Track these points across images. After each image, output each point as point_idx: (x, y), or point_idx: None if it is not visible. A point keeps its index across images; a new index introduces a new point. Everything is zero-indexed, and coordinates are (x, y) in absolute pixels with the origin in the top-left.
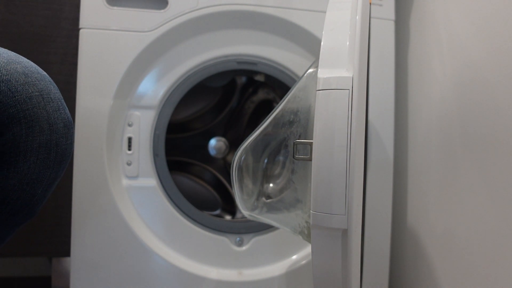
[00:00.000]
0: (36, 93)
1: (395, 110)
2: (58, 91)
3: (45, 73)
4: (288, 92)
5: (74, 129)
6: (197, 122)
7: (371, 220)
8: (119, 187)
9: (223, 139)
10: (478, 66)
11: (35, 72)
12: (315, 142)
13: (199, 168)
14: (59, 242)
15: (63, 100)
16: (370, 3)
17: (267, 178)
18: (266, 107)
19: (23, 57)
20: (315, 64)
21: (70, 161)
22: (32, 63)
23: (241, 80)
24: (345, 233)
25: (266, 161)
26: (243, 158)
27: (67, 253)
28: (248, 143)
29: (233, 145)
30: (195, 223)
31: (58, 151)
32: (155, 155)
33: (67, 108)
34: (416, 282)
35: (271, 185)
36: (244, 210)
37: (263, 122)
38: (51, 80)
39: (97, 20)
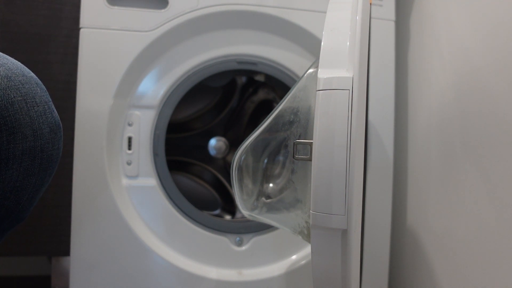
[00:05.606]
0: (19, 98)
1: (395, 110)
2: (46, 93)
3: (32, 74)
4: (288, 92)
5: (62, 132)
6: (197, 122)
7: (371, 220)
8: (119, 187)
9: (223, 139)
10: (478, 66)
11: (20, 75)
12: (315, 142)
13: (199, 168)
14: (59, 242)
15: (50, 103)
16: (370, 4)
17: (267, 178)
18: (266, 107)
19: (8, 58)
20: (315, 64)
21: (70, 161)
22: (18, 64)
23: (241, 80)
24: (344, 233)
25: (266, 161)
26: (243, 158)
27: (66, 252)
28: (248, 143)
29: (233, 145)
30: (195, 223)
31: (44, 157)
32: (155, 154)
33: (55, 111)
34: (416, 282)
35: (271, 185)
36: (243, 210)
37: (263, 122)
38: (39, 82)
39: (98, 19)
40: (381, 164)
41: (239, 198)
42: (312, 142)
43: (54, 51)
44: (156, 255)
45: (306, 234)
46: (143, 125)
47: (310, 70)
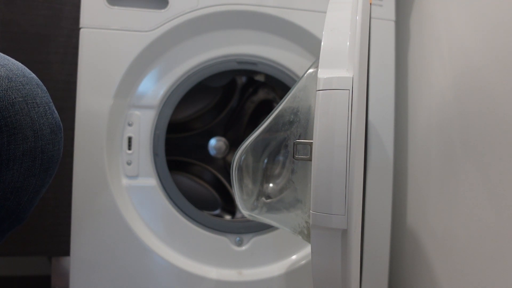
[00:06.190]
0: (20, 99)
1: (395, 110)
2: (47, 94)
3: (33, 75)
4: (288, 92)
5: (62, 133)
6: (197, 122)
7: (371, 220)
8: (119, 187)
9: (223, 139)
10: (478, 66)
11: (21, 76)
12: (315, 142)
13: (199, 168)
14: (59, 242)
15: (51, 104)
16: (370, 4)
17: (267, 178)
18: (266, 107)
19: (9, 59)
20: (315, 64)
21: (70, 161)
22: (19, 65)
23: (241, 80)
24: (344, 233)
25: (266, 161)
26: (243, 158)
27: (66, 252)
28: (248, 143)
29: (233, 145)
30: (195, 223)
31: (44, 158)
32: (155, 154)
33: (55, 112)
34: (416, 282)
35: (271, 185)
36: (243, 210)
37: (263, 122)
38: (39, 83)
39: (98, 19)
40: (381, 164)
41: (239, 198)
42: (312, 142)
43: (54, 51)
44: (156, 255)
45: (306, 234)
46: (143, 125)
47: (310, 70)
